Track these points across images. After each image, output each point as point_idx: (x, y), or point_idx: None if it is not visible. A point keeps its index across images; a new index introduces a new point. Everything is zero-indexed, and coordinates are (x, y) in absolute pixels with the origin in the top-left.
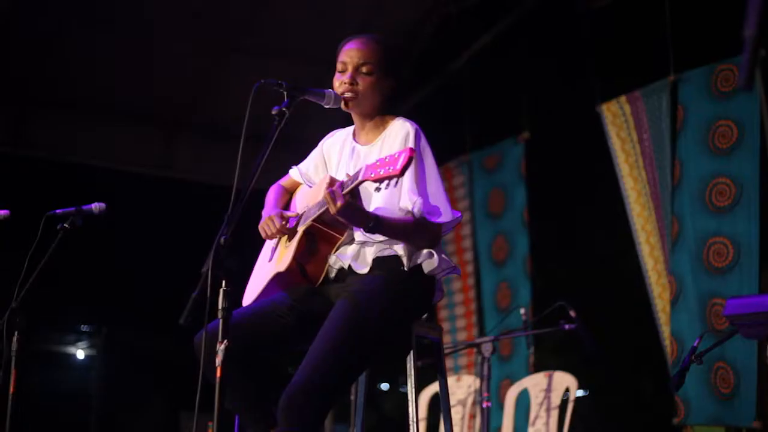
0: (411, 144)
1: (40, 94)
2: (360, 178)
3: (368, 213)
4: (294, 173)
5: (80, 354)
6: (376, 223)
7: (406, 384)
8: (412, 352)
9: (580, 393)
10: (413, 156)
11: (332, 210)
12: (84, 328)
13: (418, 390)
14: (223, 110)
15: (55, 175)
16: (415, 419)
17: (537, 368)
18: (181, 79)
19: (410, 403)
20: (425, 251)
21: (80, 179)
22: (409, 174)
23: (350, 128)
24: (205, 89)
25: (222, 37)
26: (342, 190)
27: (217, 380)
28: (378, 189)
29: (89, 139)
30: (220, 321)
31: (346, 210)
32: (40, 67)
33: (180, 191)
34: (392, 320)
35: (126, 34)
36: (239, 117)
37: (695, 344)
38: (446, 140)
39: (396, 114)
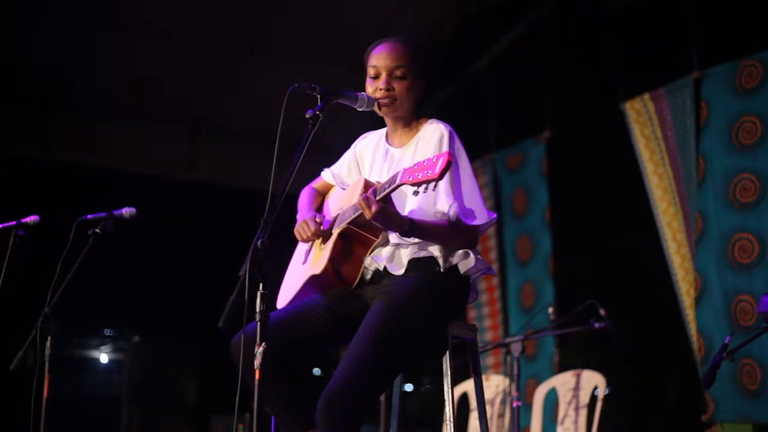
0: (446, 146)
1: (65, 99)
2: (398, 182)
3: (403, 217)
4: (326, 175)
5: (104, 358)
6: (411, 227)
7: (429, 385)
8: (448, 352)
9: (606, 391)
10: (451, 160)
11: (367, 215)
12: (108, 332)
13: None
14: (247, 112)
15: (82, 180)
16: (451, 418)
17: (561, 367)
18: (204, 82)
19: (447, 402)
20: (461, 252)
21: (106, 184)
22: (445, 176)
23: (383, 130)
24: (228, 91)
25: (244, 39)
26: (376, 195)
27: (256, 383)
28: (416, 193)
29: (115, 144)
30: (258, 324)
31: (381, 215)
32: (64, 72)
33: (205, 193)
34: (428, 321)
35: (148, 38)
36: (262, 118)
37: (726, 341)
38: (470, 140)
39: (424, 113)
